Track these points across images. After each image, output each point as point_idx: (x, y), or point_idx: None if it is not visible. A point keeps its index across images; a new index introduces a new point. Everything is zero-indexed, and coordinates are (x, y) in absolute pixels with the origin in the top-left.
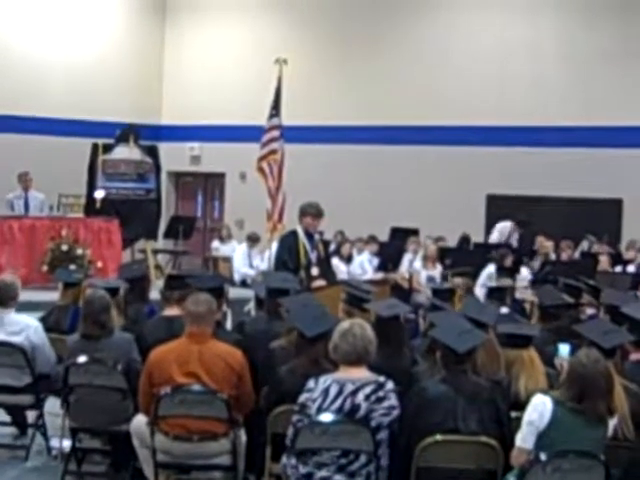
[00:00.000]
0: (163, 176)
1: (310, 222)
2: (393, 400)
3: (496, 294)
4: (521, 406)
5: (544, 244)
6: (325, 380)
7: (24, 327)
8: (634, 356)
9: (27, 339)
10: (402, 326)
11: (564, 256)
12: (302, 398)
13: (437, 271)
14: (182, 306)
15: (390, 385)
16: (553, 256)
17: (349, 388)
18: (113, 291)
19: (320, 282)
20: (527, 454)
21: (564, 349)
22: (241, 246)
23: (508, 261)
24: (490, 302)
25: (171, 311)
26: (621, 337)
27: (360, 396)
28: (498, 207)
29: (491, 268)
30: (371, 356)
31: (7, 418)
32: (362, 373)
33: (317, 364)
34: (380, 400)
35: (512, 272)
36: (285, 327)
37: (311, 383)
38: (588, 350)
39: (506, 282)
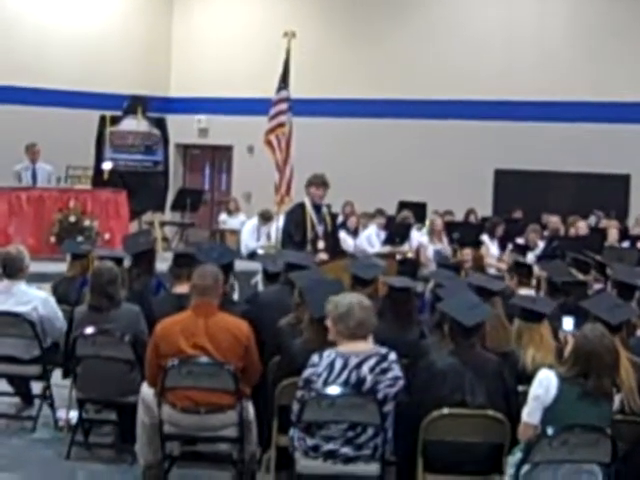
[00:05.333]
0: (171, 148)
1: (315, 191)
2: (397, 371)
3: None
4: (527, 378)
5: (551, 219)
6: (329, 354)
7: (32, 299)
8: None
9: (35, 311)
10: (412, 299)
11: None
12: (306, 373)
13: (444, 245)
14: None
15: (393, 356)
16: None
17: (353, 361)
18: (117, 262)
19: (323, 256)
20: (533, 429)
21: (568, 322)
22: (251, 220)
23: (499, 230)
24: None
25: (181, 288)
26: (628, 312)
27: (365, 369)
28: (506, 182)
29: (484, 238)
30: (372, 328)
31: (10, 388)
32: (365, 346)
33: (328, 340)
34: (385, 371)
35: (524, 249)
36: (294, 302)
37: (315, 358)
38: (593, 325)
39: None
